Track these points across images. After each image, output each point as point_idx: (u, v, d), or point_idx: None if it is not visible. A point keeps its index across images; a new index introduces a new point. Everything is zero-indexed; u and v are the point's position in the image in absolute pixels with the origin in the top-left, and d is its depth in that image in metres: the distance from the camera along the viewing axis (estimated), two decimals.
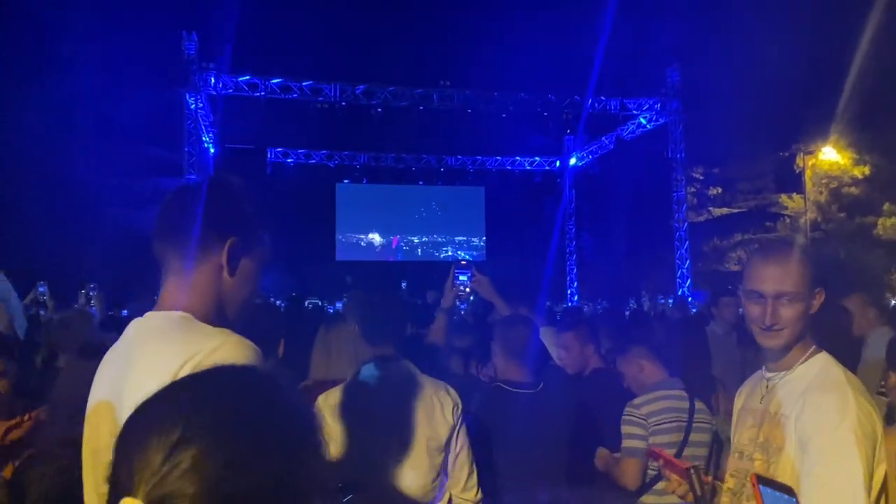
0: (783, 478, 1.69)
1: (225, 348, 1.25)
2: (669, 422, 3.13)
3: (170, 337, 1.31)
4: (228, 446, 0.73)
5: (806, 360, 1.85)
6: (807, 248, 1.87)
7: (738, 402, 2.08)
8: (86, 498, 1.33)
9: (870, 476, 1.62)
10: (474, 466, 2.59)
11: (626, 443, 3.16)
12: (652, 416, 3.13)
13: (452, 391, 2.61)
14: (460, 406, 2.58)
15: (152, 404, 0.79)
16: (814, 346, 1.87)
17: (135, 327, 1.40)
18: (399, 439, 2.45)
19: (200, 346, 1.25)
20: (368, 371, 2.56)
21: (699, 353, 4.04)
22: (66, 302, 6.58)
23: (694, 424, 3.15)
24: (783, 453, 1.76)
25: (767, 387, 1.91)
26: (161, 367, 1.21)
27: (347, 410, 2.46)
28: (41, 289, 6.58)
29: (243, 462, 0.73)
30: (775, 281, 1.81)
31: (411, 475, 2.44)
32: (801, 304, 1.80)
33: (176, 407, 0.76)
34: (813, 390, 1.76)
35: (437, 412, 2.51)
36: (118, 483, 0.73)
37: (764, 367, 1.96)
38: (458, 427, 2.55)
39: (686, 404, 3.20)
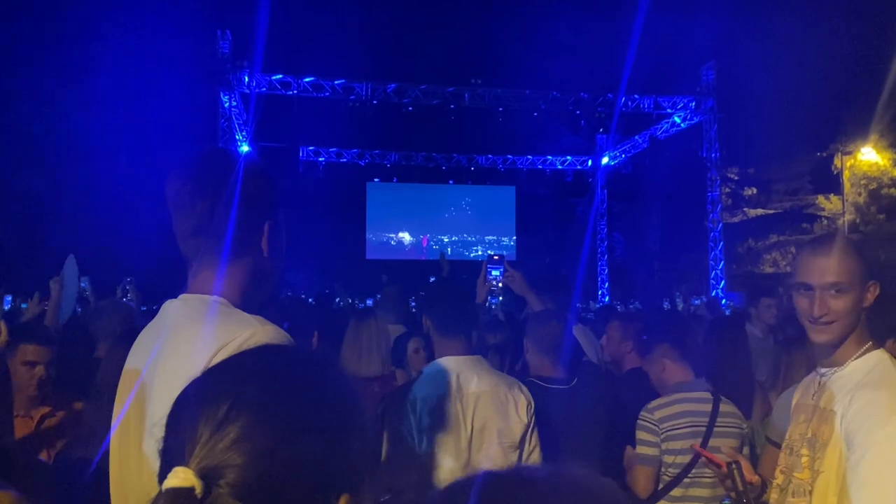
0: (828, 473, 1.65)
1: (258, 336, 1.24)
2: (684, 427, 2.97)
3: (205, 322, 1.30)
4: (274, 420, 0.76)
5: (860, 355, 1.81)
6: (857, 241, 1.83)
7: (795, 398, 2.04)
8: (111, 468, 1.34)
9: None
10: None
11: (638, 449, 3.03)
12: (665, 420, 2.99)
13: (525, 389, 2.58)
14: (533, 404, 2.55)
15: (203, 382, 0.82)
16: (870, 343, 1.82)
17: (170, 308, 1.39)
18: (474, 436, 2.42)
19: (235, 333, 1.24)
20: (442, 365, 2.53)
21: (739, 354, 3.93)
22: (106, 296, 6.71)
23: (716, 429, 2.97)
24: (828, 448, 1.72)
25: (820, 382, 1.88)
26: (195, 353, 1.22)
27: (423, 405, 2.44)
28: (83, 284, 6.71)
29: (289, 436, 0.76)
30: (823, 271, 1.79)
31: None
32: (850, 295, 1.78)
33: (225, 383, 0.80)
34: (863, 387, 1.72)
35: (510, 410, 2.47)
36: (169, 455, 0.76)
37: (818, 364, 1.92)
38: (531, 426, 2.52)
39: (708, 407, 3.03)
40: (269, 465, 0.73)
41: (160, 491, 0.72)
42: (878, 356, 1.81)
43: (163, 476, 0.74)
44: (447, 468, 2.37)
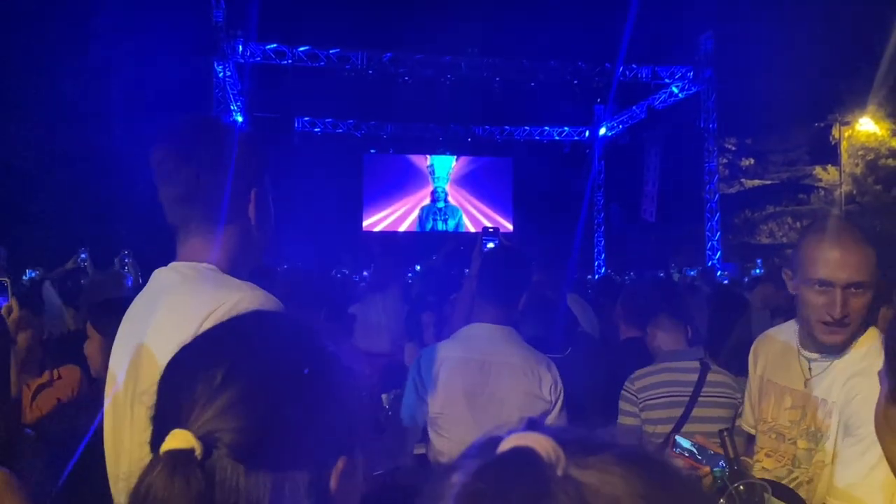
0: (831, 466, 1.66)
1: (248, 301, 1.25)
2: (663, 396, 2.93)
3: (196, 287, 1.31)
4: (270, 383, 0.77)
5: (857, 341, 1.73)
6: (863, 228, 1.72)
7: (757, 368, 1.97)
8: (105, 437, 1.36)
9: None
10: None
11: (620, 419, 3.00)
12: (644, 391, 2.95)
13: (553, 368, 2.51)
14: (560, 385, 2.47)
15: (197, 346, 0.83)
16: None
17: (160, 277, 1.40)
18: (490, 407, 2.36)
19: (225, 297, 1.25)
20: (473, 331, 2.49)
21: (740, 324, 3.94)
22: (105, 268, 6.71)
23: (700, 399, 2.91)
24: (829, 441, 1.71)
25: (810, 368, 1.80)
26: (186, 318, 1.22)
27: (444, 364, 2.41)
28: (82, 255, 6.72)
29: (285, 398, 0.77)
30: (846, 268, 1.65)
31: None
32: (869, 292, 1.67)
33: (220, 348, 0.81)
34: (860, 374, 1.66)
35: (534, 386, 2.42)
36: (163, 420, 0.77)
37: (802, 346, 1.83)
38: (555, 406, 2.45)
39: (693, 377, 2.96)
40: (266, 427, 0.74)
41: (158, 454, 0.73)
42: (871, 337, 1.74)
43: (156, 441, 0.74)
44: (457, 436, 2.31)
